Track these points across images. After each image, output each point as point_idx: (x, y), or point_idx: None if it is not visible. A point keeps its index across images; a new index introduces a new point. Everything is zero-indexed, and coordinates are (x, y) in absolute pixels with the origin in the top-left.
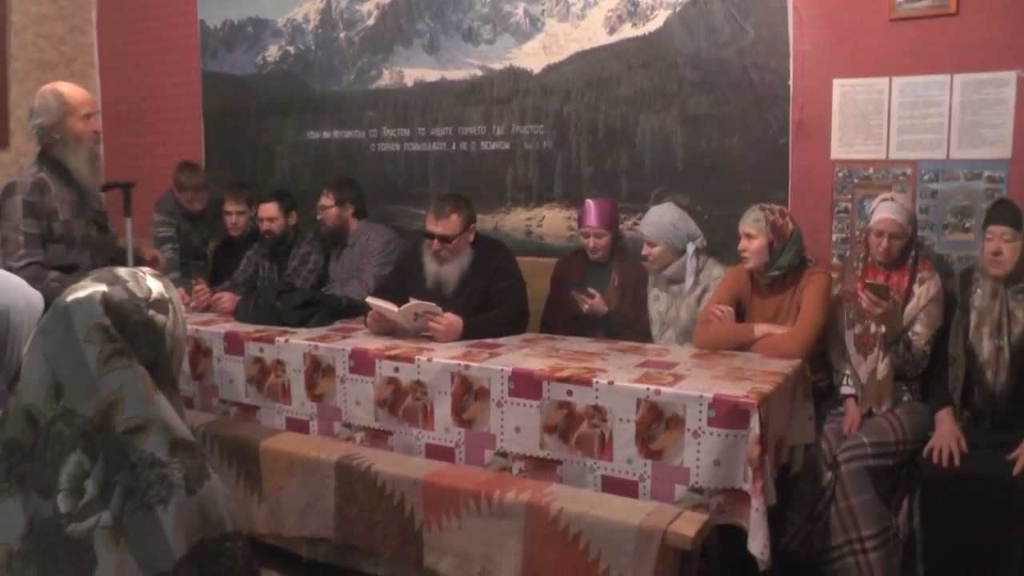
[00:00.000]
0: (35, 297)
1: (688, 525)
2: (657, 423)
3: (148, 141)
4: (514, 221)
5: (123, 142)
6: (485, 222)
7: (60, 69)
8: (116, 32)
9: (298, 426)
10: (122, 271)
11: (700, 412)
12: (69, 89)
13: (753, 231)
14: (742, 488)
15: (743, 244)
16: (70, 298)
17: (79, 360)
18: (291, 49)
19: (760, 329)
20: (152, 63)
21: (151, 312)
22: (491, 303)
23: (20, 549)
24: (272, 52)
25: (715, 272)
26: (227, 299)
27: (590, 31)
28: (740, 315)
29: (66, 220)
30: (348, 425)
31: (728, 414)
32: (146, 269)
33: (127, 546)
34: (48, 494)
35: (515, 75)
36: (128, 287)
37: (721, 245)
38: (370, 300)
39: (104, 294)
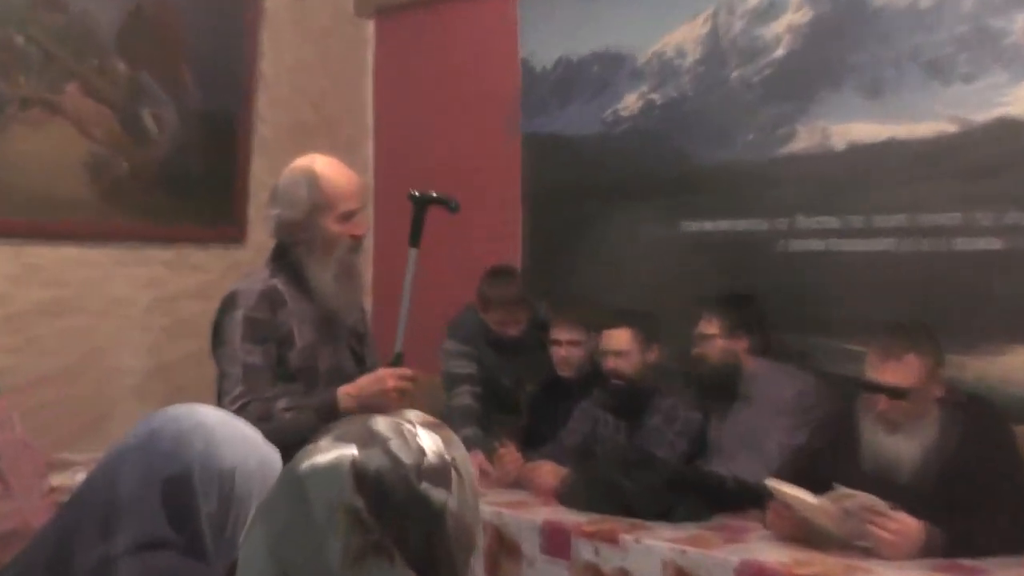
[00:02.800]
0: (271, 458)
1: None
2: None
3: (442, 237)
4: (1014, 366)
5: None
6: (960, 367)
7: (320, 137)
8: (400, 84)
9: None
10: (381, 423)
11: None
12: (330, 171)
13: None
14: None
15: None
16: (306, 465)
17: (317, 557)
18: (656, 97)
19: None
20: (451, 125)
21: (424, 485)
22: (971, 497)
23: None
24: (628, 102)
25: None
26: (548, 471)
27: None
28: None
29: (306, 347)
30: None
31: None
32: (416, 416)
33: None
34: None
35: (1011, 130)
36: (390, 447)
37: None
38: (772, 484)
39: (355, 460)
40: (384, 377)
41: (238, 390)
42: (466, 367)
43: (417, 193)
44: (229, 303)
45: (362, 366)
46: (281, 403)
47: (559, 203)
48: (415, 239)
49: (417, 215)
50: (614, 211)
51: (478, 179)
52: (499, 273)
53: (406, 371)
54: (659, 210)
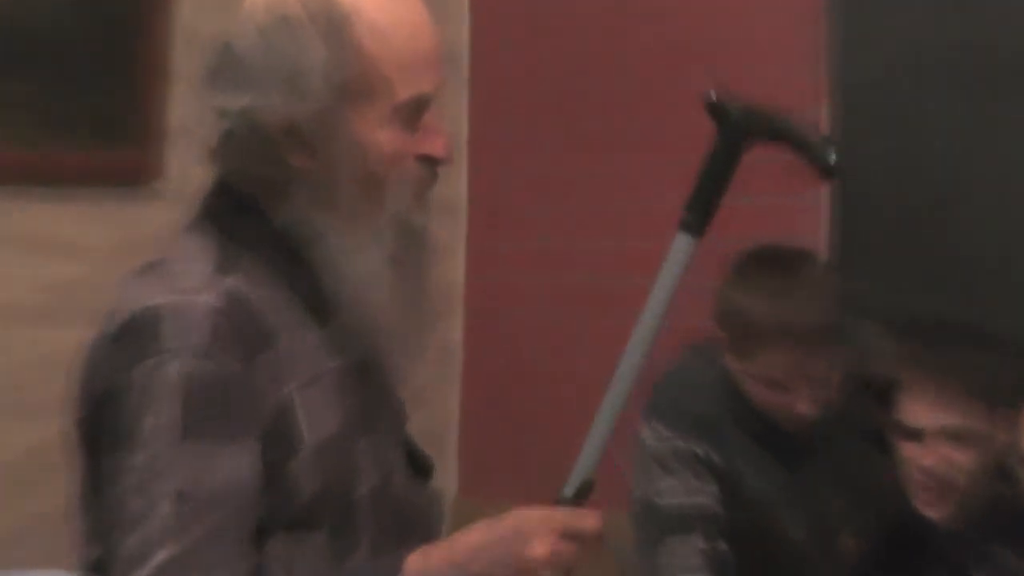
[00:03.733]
0: None
1: None
2: None
3: (640, 188)
4: None
5: (551, 192)
6: None
7: None
8: None
9: None
10: None
11: None
12: (371, 4)
13: None
14: None
15: None
16: None
17: None
18: None
19: None
20: None
21: None
22: None
23: None
24: None
25: None
26: None
27: None
28: None
29: (327, 442)
30: None
31: None
32: None
33: None
34: None
35: None
36: None
37: None
38: None
39: None
40: (534, 531)
41: (162, 557)
42: (697, 494)
43: (722, 103)
44: (145, 339)
45: (426, 479)
46: None
47: (916, 108)
48: (699, 216)
49: (723, 155)
50: None
51: (731, 64)
52: (777, 265)
53: (587, 519)
54: None
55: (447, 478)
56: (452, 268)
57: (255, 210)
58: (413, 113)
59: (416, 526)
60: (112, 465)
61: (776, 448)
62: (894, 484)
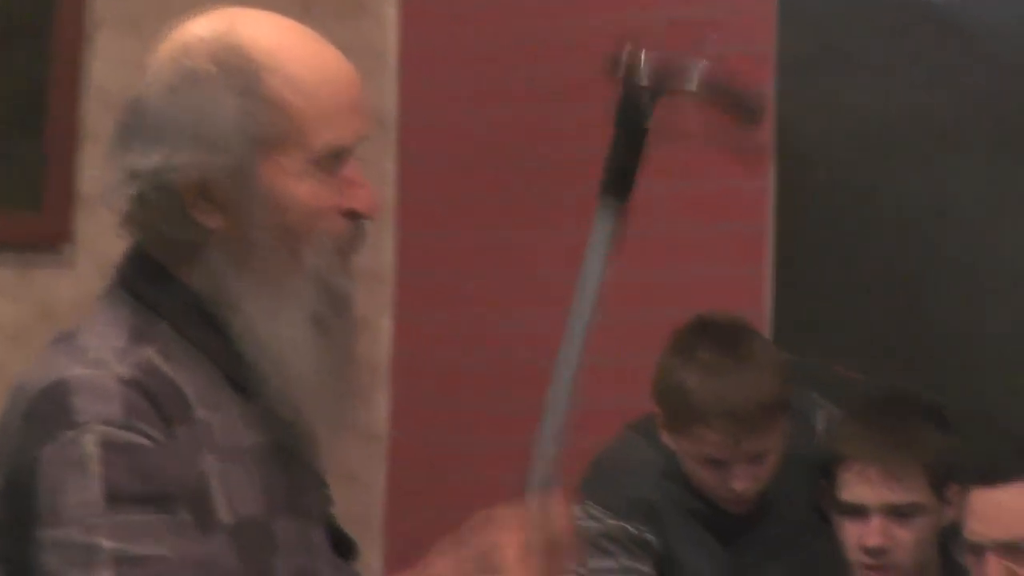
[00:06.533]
0: None
1: None
2: None
3: (578, 252)
4: None
5: (503, 258)
6: None
7: None
8: None
9: None
10: None
11: None
12: (287, 47)
13: None
14: None
15: None
16: None
17: None
18: None
19: None
20: None
21: None
22: None
23: None
24: None
25: None
26: None
27: None
28: None
29: (244, 525)
30: None
31: None
32: None
33: None
34: None
35: None
36: None
37: None
38: None
39: None
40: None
41: None
42: (631, 574)
43: (632, 58)
44: (56, 414)
45: (351, 561)
46: None
47: (844, 160)
48: (619, 180)
49: (630, 117)
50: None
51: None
52: (716, 339)
53: (554, 506)
54: None
55: (373, 560)
56: (377, 342)
57: (171, 276)
58: (331, 164)
59: None
60: (38, 546)
61: (716, 527)
62: (837, 562)
